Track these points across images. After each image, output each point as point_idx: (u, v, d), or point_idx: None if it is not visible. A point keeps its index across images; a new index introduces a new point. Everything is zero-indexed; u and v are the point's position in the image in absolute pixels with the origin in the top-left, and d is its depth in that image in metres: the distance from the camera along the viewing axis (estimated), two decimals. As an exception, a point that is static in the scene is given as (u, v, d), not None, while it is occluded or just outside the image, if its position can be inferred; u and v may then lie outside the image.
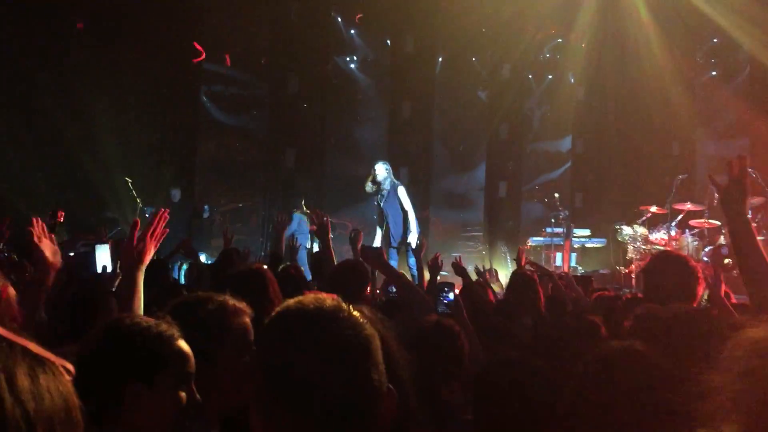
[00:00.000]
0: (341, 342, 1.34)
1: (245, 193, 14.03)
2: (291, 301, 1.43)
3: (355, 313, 1.42)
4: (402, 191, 10.00)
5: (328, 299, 1.45)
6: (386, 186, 9.93)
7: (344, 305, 1.42)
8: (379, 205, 10.14)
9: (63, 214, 4.43)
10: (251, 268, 3.35)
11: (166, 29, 12.20)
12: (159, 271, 5.35)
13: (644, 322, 2.51)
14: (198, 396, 1.83)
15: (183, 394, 1.80)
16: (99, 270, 6.29)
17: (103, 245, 6.62)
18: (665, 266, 3.57)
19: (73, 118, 11.29)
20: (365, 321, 1.41)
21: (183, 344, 1.83)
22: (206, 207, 12.94)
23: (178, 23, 12.34)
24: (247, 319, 2.13)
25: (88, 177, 11.22)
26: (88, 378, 1.68)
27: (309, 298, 1.45)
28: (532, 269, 6.14)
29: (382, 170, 9.99)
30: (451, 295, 4.51)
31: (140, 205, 10.76)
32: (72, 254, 6.83)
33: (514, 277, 5.47)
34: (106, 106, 11.54)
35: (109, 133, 11.50)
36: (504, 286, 8.83)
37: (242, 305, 2.16)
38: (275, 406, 1.34)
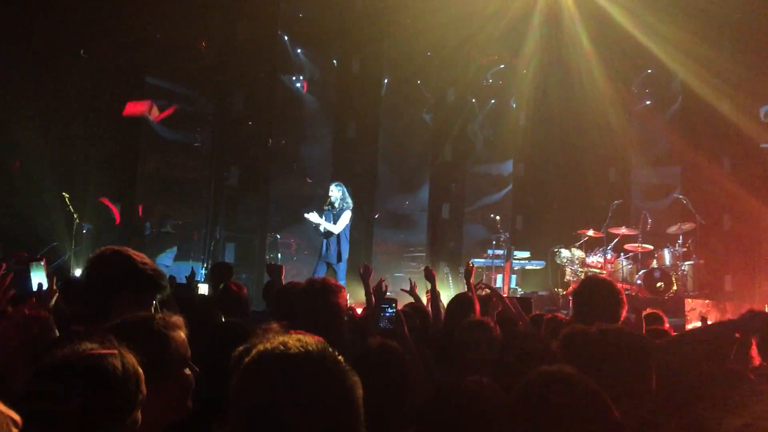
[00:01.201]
0: (327, 389, 1.36)
1: (188, 210, 13.84)
2: (275, 342, 1.43)
3: (340, 358, 1.43)
4: (345, 214, 10.40)
5: (313, 342, 1.45)
6: (338, 206, 10.45)
7: (329, 350, 1.43)
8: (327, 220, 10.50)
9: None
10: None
11: (110, 42, 12.02)
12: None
13: (572, 341, 2.58)
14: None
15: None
16: (35, 288, 6.12)
17: (37, 263, 6.43)
18: (593, 289, 3.71)
19: (4, 128, 10.96)
20: (348, 367, 1.42)
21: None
22: (147, 224, 12.72)
23: (123, 37, 12.17)
24: (183, 334, 2.14)
25: (21, 192, 10.88)
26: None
27: (293, 339, 1.44)
28: (483, 288, 6.18)
29: (334, 191, 10.61)
30: (391, 311, 4.52)
31: (77, 220, 10.51)
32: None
33: (452, 300, 5.55)
34: (46, 118, 11.26)
35: (47, 147, 11.22)
36: (445, 307, 8.93)
37: (178, 320, 2.16)
38: None
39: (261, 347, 1.46)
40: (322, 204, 11.68)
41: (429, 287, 12.40)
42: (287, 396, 1.35)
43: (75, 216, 10.49)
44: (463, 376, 3.55)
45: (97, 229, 11.48)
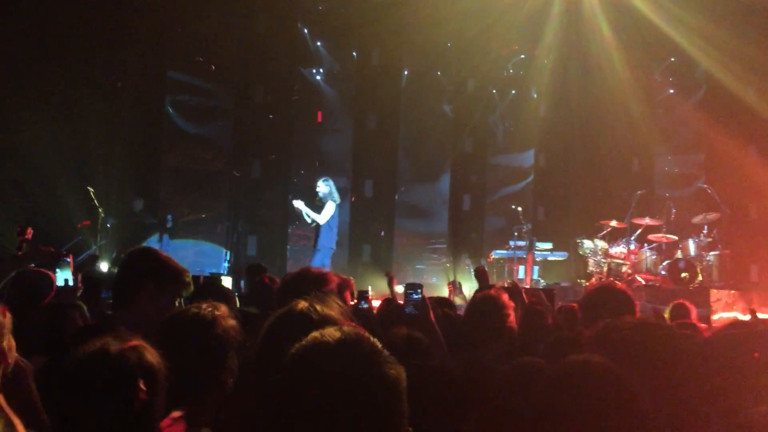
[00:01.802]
0: (369, 380, 1.35)
1: (210, 203, 13.92)
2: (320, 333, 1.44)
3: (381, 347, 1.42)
4: (329, 205, 11.11)
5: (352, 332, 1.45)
6: (324, 201, 11.18)
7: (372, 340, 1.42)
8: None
9: (32, 231, 4.32)
10: None
11: (132, 37, 12.10)
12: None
13: (606, 333, 2.57)
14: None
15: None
16: (61, 283, 6.21)
17: (64, 260, 6.51)
18: (604, 296, 3.67)
19: (33, 124, 11.08)
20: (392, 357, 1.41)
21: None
22: (169, 216, 12.81)
23: (145, 32, 12.25)
24: (232, 321, 2.33)
25: (49, 186, 11.00)
26: None
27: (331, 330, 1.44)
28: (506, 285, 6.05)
29: (321, 187, 11.28)
30: (417, 296, 4.47)
31: (102, 214, 10.61)
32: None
33: (474, 301, 5.44)
34: (68, 114, 11.36)
35: (72, 142, 11.33)
36: (467, 299, 8.93)
37: (223, 310, 2.35)
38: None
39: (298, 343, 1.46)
40: (342, 196, 11.74)
41: (450, 279, 12.42)
42: (328, 388, 1.34)
43: (100, 210, 10.59)
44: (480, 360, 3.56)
45: (121, 223, 11.59)
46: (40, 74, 11.18)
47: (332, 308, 2.21)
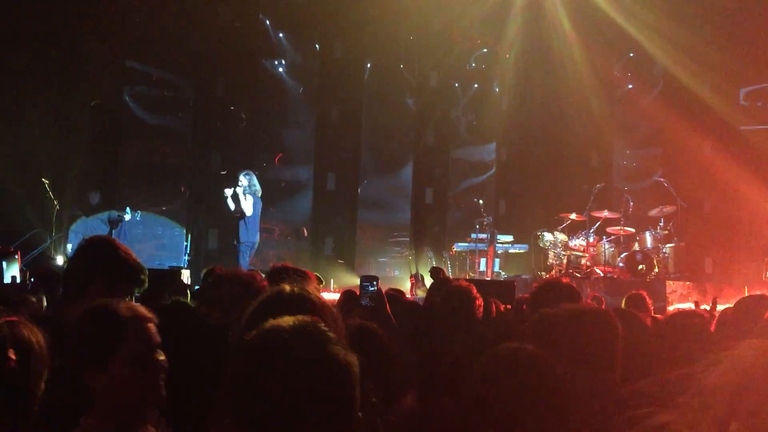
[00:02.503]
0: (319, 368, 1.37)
1: (169, 196, 13.74)
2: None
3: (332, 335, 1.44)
4: (248, 198, 11.32)
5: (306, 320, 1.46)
6: (246, 194, 11.33)
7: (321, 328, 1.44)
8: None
9: None
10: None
11: (90, 27, 11.86)
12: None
13: (539, 324, 2.61)
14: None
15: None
16: (8, 281, 6.05)
17: (11, 256, 6.32)
18: (550, 291, 3.76)
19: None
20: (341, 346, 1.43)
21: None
22: (128, 209, 12.62)
23: (104, 21, 12.02)
24: (150, 323, 2.17)
25: (3, 179, 10.74)
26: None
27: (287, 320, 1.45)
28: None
29: (243, 180, 11.44)
30: (372, 288, 4.48)
31: (57, 207, 10.41)
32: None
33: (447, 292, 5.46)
34: (25, 104, 11.11)
35: (26, 134, 11.08)
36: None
37: (143, 308, 2.20)
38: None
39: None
40: (304, 189, 11.70)
41: (412, 271, 12.46)
42: (280, 374, 1.35)
43: (55, 203, 10.38)
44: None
45: (79, 215, 11.39)
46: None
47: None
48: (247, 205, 11.29)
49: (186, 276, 8.23)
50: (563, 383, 1.99)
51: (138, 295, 3.00)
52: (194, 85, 13.48)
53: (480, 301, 4.65)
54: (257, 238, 11.57)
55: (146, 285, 3.01)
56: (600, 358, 2.40)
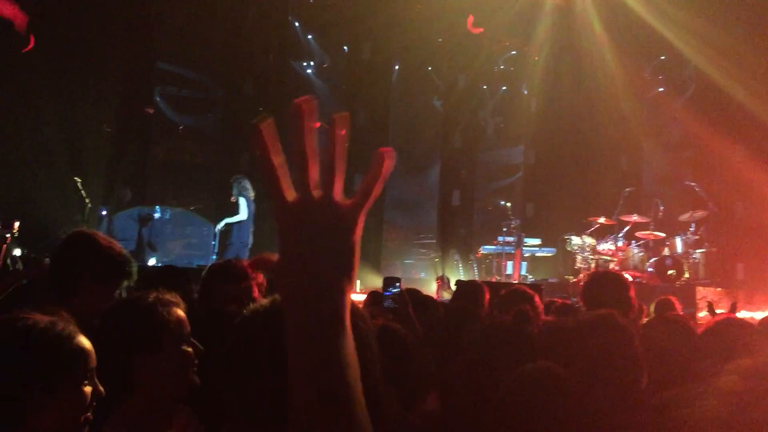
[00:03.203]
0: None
1: (198, 195, 13.89)
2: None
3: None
4: (242, 202, 11.52)
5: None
6: (237, 198, 11.56)
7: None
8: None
9: (18, 225, 4.07)
10: None
11: (121, 29, 12.03)
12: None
13: (548, 335, 2.60)
14: (101, 388, 1.79)
15: (88, 389, 1.75)
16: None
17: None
18: (602, 281, 3.72)
19: (20, 117, 11.00)
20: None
21: (82, 340, 1.77)
22: (157, 208, 12.77)
23: (134, 23, 12.18)
24: (180, 311, 2.16)
25: (35, 177, 10.93)
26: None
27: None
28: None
29: (235, 187, 11.64)
30: (395, 290, 4.50)
31: (89, 205, 10.55)
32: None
33: (461, 285, 5.55)
34: (58, 104, 11.29)
35: (60, 133, 11.26)
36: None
37: (174, 297, 2.19)
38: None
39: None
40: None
41: (439, 273, 12.43)
42: (259, 353, 1.36)
43: (87, 201, 10.52)
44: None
45: (109, 213, 11.54)
46: (29, 65, 11.10)
47: None
48: (241, 209, 11.51)
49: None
50: (589, 403, 2.00)
51: (132, 286, 2.93)
52: (223, 86, 13.59)
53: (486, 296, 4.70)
54: (249, 239, 11.71)
55: (134, 277, 2.92)
56: (617, 367, 2.37)
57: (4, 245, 3.91)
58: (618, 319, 2.48)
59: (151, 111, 11.32)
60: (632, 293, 3.73)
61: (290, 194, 0.97)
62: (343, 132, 1.00)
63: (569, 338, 2.46)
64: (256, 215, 11.70)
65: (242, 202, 11.51)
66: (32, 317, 1.73)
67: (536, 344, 2.85)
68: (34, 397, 1.63)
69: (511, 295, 4.38)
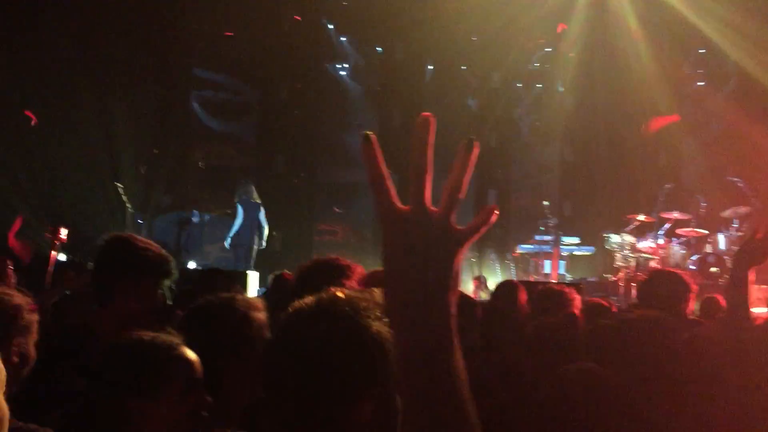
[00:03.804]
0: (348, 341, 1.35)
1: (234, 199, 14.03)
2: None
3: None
4: (239, 207, 11.81)
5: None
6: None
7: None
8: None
9: (65, 231, 4.10)
10: None
11: (157, 34, 12.20)
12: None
13: (597, 334, 2.57)
14: (209, 398, 1.81)
15: (191, 399, 1.78)
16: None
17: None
18: (658, 280, 3.66)
19: (61, 124, 11.20)
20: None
21: (186, 352, 1.80)
22: (195, 212, 12.91)
23: (170, 28, 12.34)
24: (262, 315, 2.16)
25: (79, 184, 11.13)
26: (94, 397, 1.70)
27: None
28: None
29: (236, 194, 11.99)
30: None
31: (130, 210, 10.73)
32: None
33: (499, 285, 5.53)
34: (96, 111, 11.49)
35: (99, 139, 11.45)
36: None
37: (258, 301, 2.21)
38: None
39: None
40: (366, 191, 11.64)
41: (475, 274, 12.37)
42: (305, 352, 1.35)
43: (128, 206, 10.70)
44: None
45: (149, 218, 11.71)
46: (70, 73, 11.32)
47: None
48: (238, 213, 11.81)
49: (253, 278, 8.36)
50: (632, 405, 1.97)
51: (172, 287, 2.96)
52: (258, 90, 13.71)
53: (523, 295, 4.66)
54: (254, 241, 11.84)
55: (174, 275, 2.92)
56: (661, 369, 2.33)
57: (53, 252, 3.99)
58: (666, 321, 2.44)
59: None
60: (692, 295, 3.66)
61: (400, 205, 1.00)
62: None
63: (614, 339, 2.43)
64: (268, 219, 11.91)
65: (239, 207, 11.75)
66: (137, 335, 1.79)
67: (581, 345, 2.82)
68: (136, 405, 1.69)
69: (546, 294, 4.32)
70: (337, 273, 3.01)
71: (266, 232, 11.93)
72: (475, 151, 1.02)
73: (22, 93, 11.33)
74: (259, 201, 11.94)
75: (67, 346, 2.60)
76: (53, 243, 4.06)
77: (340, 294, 1.42)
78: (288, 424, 1.38)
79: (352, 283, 3.06)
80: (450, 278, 0.98)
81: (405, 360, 0.95)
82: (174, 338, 1.82)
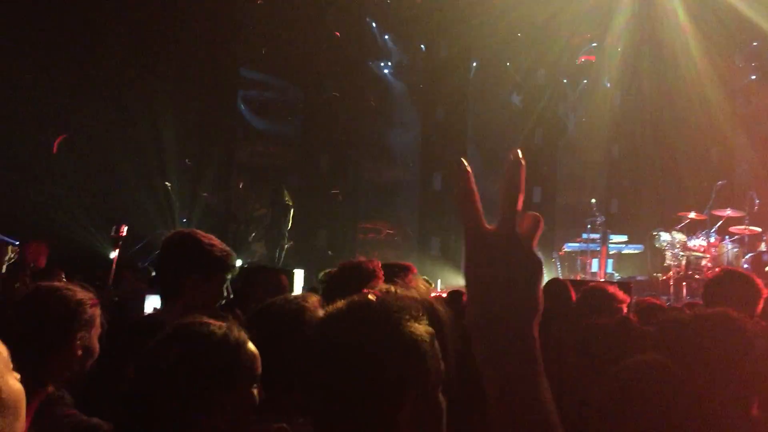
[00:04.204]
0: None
1: (280, 197, 14.15)
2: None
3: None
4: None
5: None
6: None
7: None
8: None
9: (126, 228, 4.29)
10: None
11: (203, 35, 12.35)
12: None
13: (667, 328, 2.50)
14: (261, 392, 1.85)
15: (255, 392, 1.82)
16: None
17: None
18: (727, 280, 3.58)
19: (111, 126, 11.42)
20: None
21: (252, 346, 1.84)
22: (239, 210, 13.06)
23: (216, 29, 12.48)
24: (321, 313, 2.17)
25: (127, 183, 11.34)
26: (173, 386, 1.70)
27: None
28: None
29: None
30: None
31: (179, 209, 10.89)
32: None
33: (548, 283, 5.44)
34: (144, 110, 11.68)
35: (148, 140, 11.65)
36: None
37: (316, 300, 2.22)
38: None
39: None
40: (410, 189, 11.61)
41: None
42: (337, 357, 1.33)
43: (177, 204, 10.86)
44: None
45: (196, 217, 11.87)
46: (121, 75, 11.53)
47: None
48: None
49: (300, 276, 8.40)
50: (696, 399, 1.91)
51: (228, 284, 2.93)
52: (303, 90, 13.79)
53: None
54: (284, 240, 12.39)
55: (236, 270, 2.94)
56: (727, 370, 2.25)
57: (117, 248, 4.12)
58: (738, 319, 2.36)
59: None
60: (763, 298, 3.55)
61: (487, 225, 1.02)
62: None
63: (682, 334, 2.36)
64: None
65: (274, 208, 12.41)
66: (210, 323, 1.80)
67: (647, 341, 2.76)
68: (217, 396, 1.72)
69: (592, 293, 4.23)
70: (365, 276, 3.04)
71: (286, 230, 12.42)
72: (523, 168, 1.05)
73: (74, 95, 11.57)
74: (290, 203, 12.26)
75: (136, 341, 2.64)
76: (117, 242, 4.18)
77: (371, 297, 1.39)
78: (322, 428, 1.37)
79: (380, 283, 3.01)
80: (535, 301, 0.99)
81: (496, 385, 0.97)
82: (243, 332, 1.84)
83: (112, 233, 4.27)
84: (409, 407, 1.32)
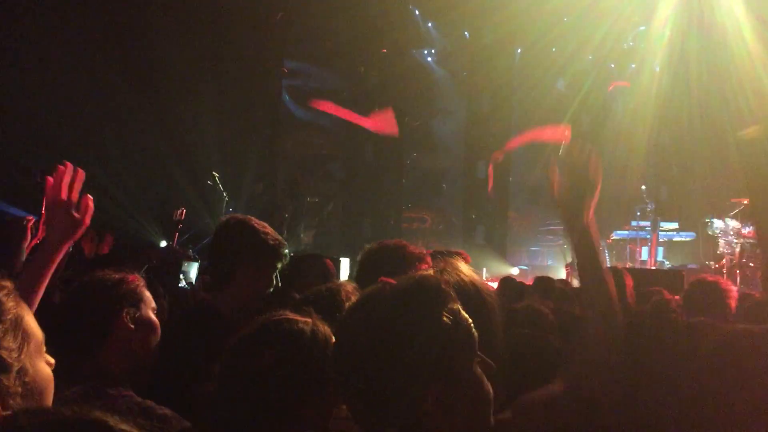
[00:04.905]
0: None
1: (325, 186, 14.21)
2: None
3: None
4: None
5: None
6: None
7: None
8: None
9: (184, 211, 4.42)
10: None
11: (247, 26, 12.42)
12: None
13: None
14: None
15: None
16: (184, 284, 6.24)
17: (192, 263, 6.39)
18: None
19: (157, 117, 11.56)
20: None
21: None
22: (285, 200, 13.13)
23: (260, 20, 12.55)
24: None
25: (177, 173, 11.49)
26: (268, 389, 1.65)
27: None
28: None
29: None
30: None
31: (226, 198, 10.99)
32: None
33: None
34: (188, 102, 11.81)
35: (193, 130, 11.79)
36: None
37: (349, 288, 2.16)
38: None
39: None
40: (455, 178, 11.49)
41: (568, 260, 12.12)
42: (370, 341, 1.30)
43: (225, 195, 10.96)
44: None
45: (241, 207, 11.98)
46: (167, 69, 11.66)
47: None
48: None
49: (345, 264, 8.41)
50: None
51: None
52: (346, 79, 13.79)
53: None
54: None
55: (287, 260, 2.88)
56: None
57: (177, 232, 4.23)
58: None
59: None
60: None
61: None
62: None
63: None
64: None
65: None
66: (297, 319, 1.74)
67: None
68: (310, 397, 1.66)
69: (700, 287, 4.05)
70: (400, 259, 2.68)
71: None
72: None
73: (119, 90, 11.73)
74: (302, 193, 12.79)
75: (194, 326, 2.64)
76: (177, 225, 4.30)
77: (387, 285, 1.36)
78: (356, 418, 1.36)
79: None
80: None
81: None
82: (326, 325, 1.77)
83: (174, 217, 4.37)
84: (433, 396, 1.29)
